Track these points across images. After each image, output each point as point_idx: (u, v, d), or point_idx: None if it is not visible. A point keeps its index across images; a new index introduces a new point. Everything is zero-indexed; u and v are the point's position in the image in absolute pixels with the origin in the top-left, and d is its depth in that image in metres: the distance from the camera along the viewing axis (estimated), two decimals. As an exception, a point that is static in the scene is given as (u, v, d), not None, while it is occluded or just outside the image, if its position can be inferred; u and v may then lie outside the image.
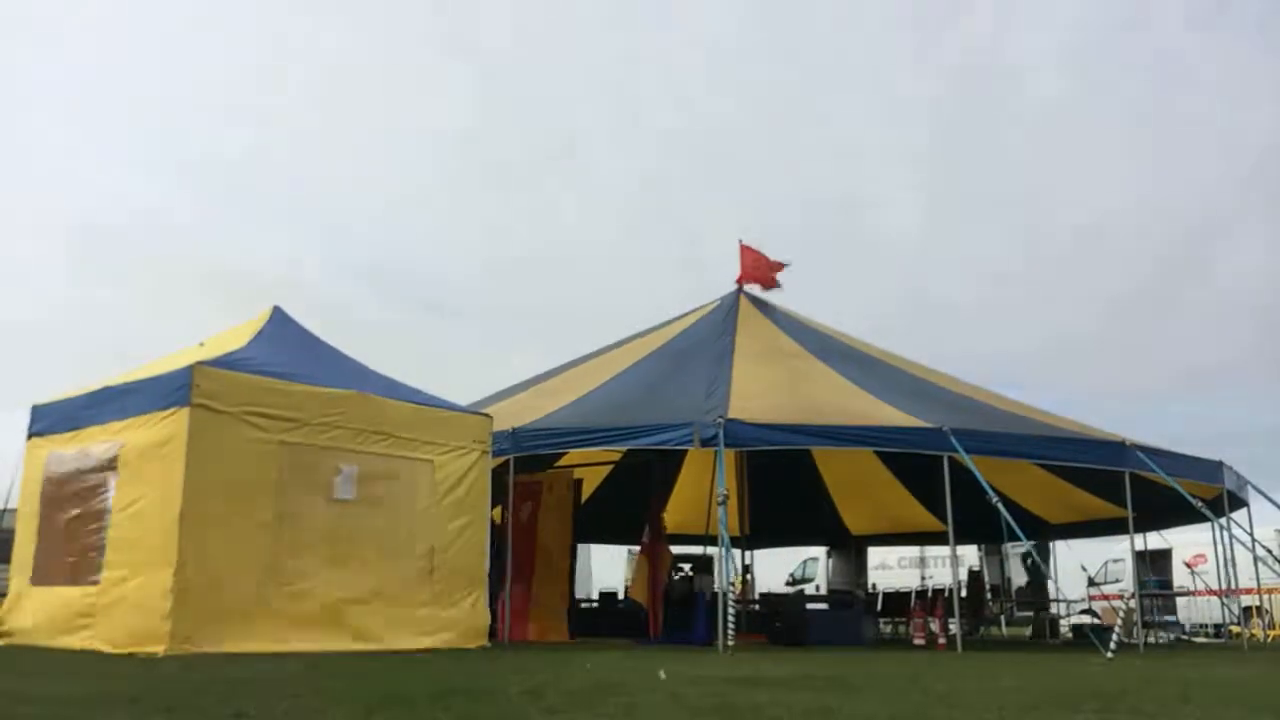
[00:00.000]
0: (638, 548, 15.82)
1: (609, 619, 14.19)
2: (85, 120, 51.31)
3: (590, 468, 13.67)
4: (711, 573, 14.12)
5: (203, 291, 53.30)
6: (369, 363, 9.82)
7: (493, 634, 9.68)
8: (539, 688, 4.85)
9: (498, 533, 10.86)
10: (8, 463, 10.20)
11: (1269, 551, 12.29)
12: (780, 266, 15.11)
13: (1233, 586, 13.41)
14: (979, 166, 58.23)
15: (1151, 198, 55.45)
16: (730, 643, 9.30)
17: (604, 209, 65.58)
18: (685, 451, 14.18)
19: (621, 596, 16.35)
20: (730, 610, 9.53)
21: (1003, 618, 19.97)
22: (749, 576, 17.42)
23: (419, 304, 70.32)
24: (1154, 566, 19.01)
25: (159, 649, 7.14)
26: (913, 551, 25.20)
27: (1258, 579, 13.29)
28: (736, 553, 15.90)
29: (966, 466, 10.22)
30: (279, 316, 9.55)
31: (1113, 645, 9.30)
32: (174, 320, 45.49)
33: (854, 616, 12.28)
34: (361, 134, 56.96)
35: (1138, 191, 56.05)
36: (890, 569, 25.33)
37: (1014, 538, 9.91)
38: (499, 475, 10.45)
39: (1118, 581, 19.75)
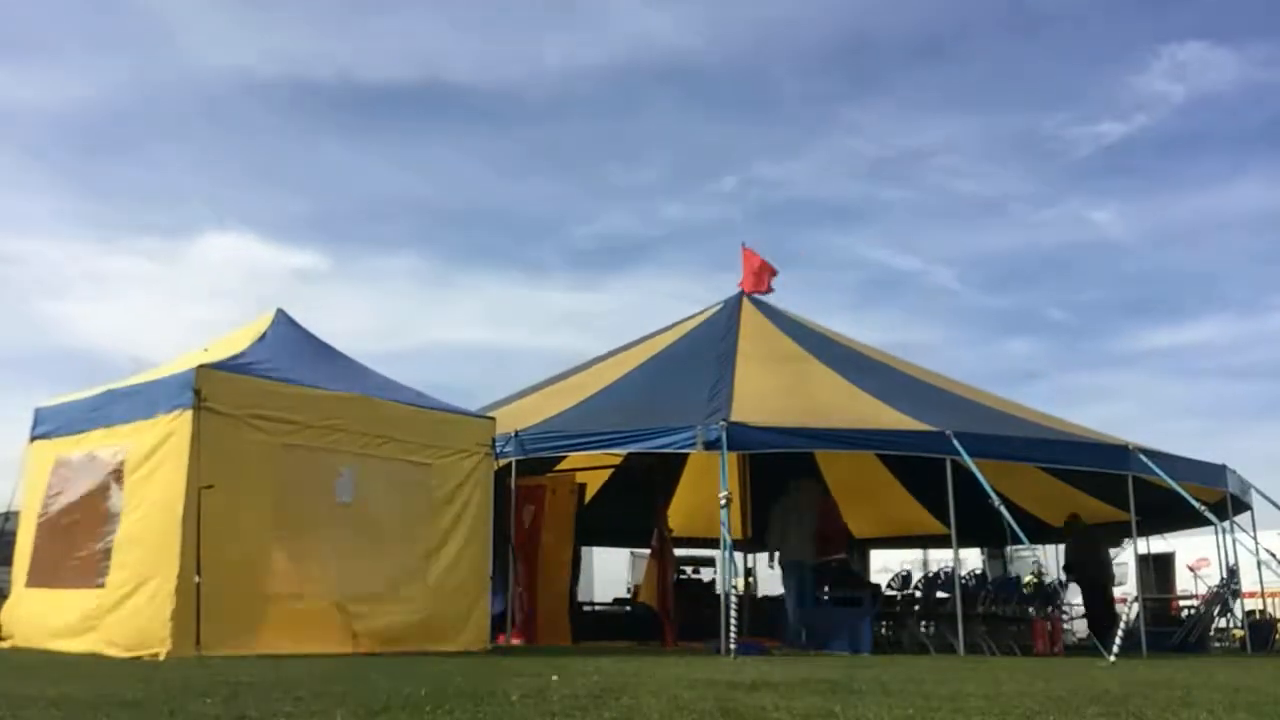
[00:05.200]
0: (642, 551, 15.84)
1: (617, 622, 14.20)
2: None
3: (591, 471, 13.68)
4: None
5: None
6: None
7: (495, 637, 9.68)
8: (541, 691, 4.85)
9: (502, 535, 10.87)
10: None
11: (1272, 555, 12.28)
12: (773, 272, 15.20)
13: (1236, 590, 13.41)
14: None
15: None
16: (733, 646, 9.30)
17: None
18: (687, 455, 14.20)
19: (630, 599, 16.35)
20: (733, 614, 9.53)
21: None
22: (751, 580, 17.43)
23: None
24: (1157, 570, 19.01)
25: (161, 652, 7.15)
26: (915, 554, 25.18)
27: (1260, 583, 13.28)
28: (739, 555, 15.90)
29: (969, 469, 10.23)
30: (282, 319, 9.58)
31: (1115, 649, 9.28)
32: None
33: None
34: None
35: None
36: (893, 572, 25.29)
37: (1016, 540, 9.93)
38: (501, 478, 10.46)
39: (1120, 585, 19.74)
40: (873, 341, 16.07)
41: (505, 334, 59.76)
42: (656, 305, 63.96)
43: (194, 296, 53.86)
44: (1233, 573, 13.24)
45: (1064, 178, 49.62)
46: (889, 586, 13.27)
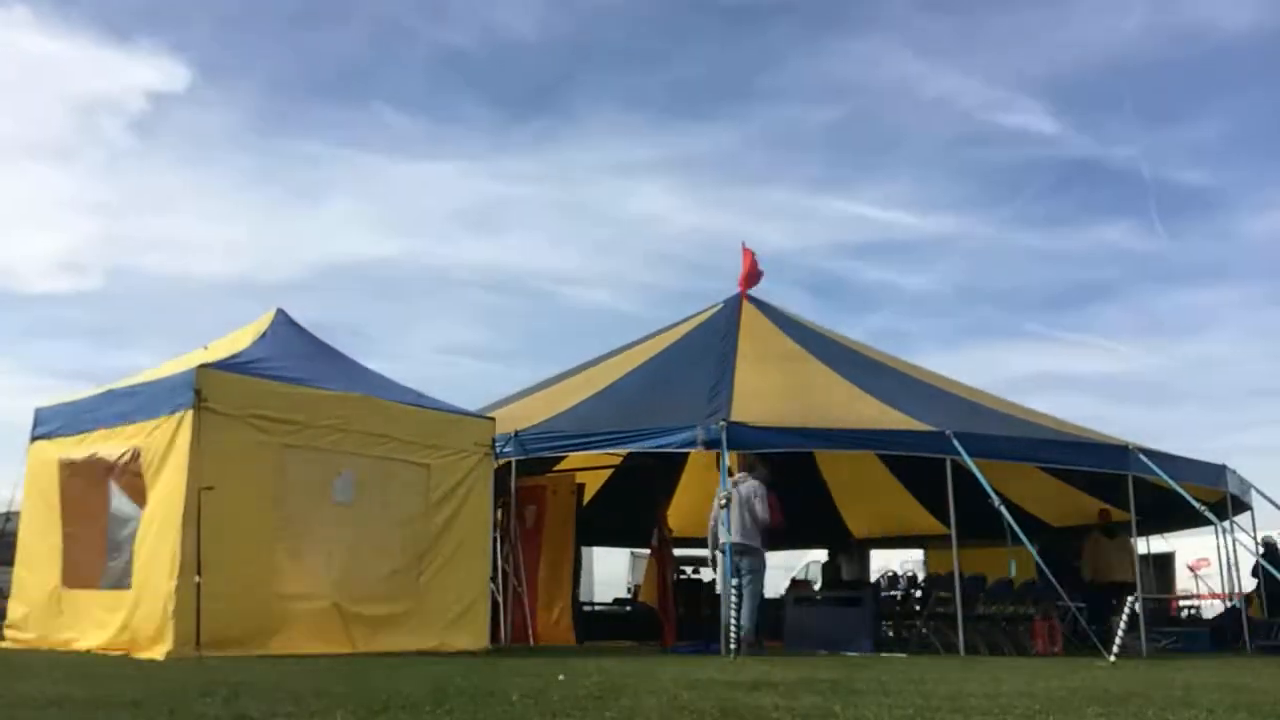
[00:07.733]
0: (642, 551, 15.86)
1: (618, 623, 14.21)
2: None
3: (591, 471, 13.69)
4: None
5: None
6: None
7: (496, 637, 9.67)
8: (541, 691, 4.85)
9: (503, 535, 10.88)
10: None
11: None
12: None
13: (1236, 590, 13.41)
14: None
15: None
16: (733, 646, 9.29)
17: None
18: (687, 454, 14.21)
19: (630, 599, 16.36)
20: (733, 613, 9.52)
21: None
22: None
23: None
24: (1157, 570, 19.03)
25: (161, 652, 7.16)
26: (916, 554, 25.23)
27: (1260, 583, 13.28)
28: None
29: (969, 469, 10.23)
30: (282, 319, 9.59)
31: (1115, 649, 9.28)
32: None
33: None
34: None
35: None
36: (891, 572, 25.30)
37: (1017, 541, 9.94)
38: (501, 478, 10.46)
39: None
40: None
41: (402, 243, 42.57)
42: (602, 187, 46.00)
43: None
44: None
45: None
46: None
